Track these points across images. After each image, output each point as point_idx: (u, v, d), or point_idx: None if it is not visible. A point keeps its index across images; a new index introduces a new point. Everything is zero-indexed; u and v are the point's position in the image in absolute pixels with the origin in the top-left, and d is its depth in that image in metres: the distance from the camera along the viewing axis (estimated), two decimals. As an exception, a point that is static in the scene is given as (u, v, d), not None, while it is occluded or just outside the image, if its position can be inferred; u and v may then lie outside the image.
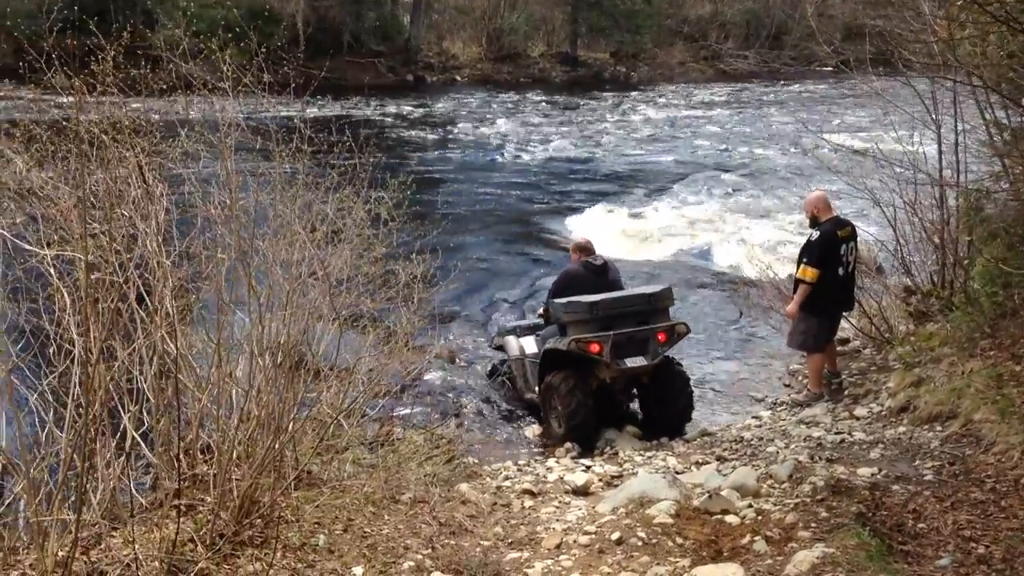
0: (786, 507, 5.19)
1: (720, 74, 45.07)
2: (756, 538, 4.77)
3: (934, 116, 8.31)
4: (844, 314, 8.34)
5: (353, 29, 38.16)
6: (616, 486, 6.15)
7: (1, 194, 5.34)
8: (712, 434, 7.70)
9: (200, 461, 4.83)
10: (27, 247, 4.34)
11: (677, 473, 6.36)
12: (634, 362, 7.48)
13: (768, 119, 29.61)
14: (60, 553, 3.61)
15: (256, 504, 4.43)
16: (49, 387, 4.21)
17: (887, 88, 9.19)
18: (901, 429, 6.68)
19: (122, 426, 4.27)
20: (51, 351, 4.35)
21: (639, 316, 7.60)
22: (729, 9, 48.15)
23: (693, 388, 8.06)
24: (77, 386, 3.78)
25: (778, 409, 8.22)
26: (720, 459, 6.83)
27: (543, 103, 34.54)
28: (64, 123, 5.37)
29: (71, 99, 4.55)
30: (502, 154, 23.46)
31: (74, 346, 3.82)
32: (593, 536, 5.04)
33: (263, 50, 6.20)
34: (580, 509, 5.70)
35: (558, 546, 4.97)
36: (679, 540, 4.89)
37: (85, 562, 3.73)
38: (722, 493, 5.46)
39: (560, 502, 5.93)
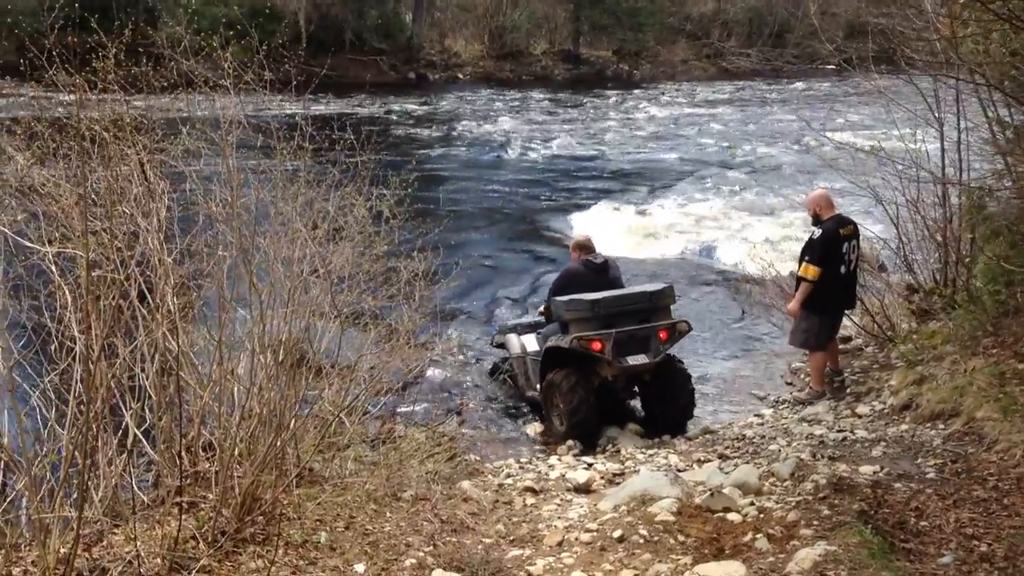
0: (788, 505, 5.19)
1: (722, 72, 45.03)
2: (758, 536, 4.77)
3: (937, 114, 8.30)
4: (846, 312, 8.33)
5: (355, 27, 38.20)
6: (618, 484, 6.15)
7: (3, 191, 5.34)
8: (714, 432, 7.69)
9: (202, 458, 4.82)
10: (28, 244, 4.33)
11: (679, 471, 6.36)
12: (636, 360, 7.47)
13: (771, 117, 29.59)
14: (62, 550, 3.61)
15: (258, 501, 4.43)
16: (51, 384, 4.20)
17: (890, 86, 9.17)
18: (903, 427, 6.68)
19: (124, 423, 4.27)
20: (53, 348, 4.35)
21: (641, 314, 7.60)
22: (732, 7, 48.10)
23: (695, 386, 8.05)
24: (79, 383, 3.77)
25: (780, 407, 8.22)
26: (722, 457, 6.82)
27: (545, 101, 34.54)
28: (65, 120, 5.37)
29: (73, 97, 4.54)
30: (504, 152, 23.45)
31: (76, 343, 3.82)
32: (595, 534, 5.04)
33: (265, 48, 6.19)
34: (582, 507, 5.70)
35: (560, 544, 4.97)
36: (681, 538, 4.89)
37: (87, 559, 3.73)
38: (724, 491, 5.46)
39: (562, 500, 5.94)
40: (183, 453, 4.36)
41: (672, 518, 5.10)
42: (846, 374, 8.29)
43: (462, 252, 11.86)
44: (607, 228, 14.91)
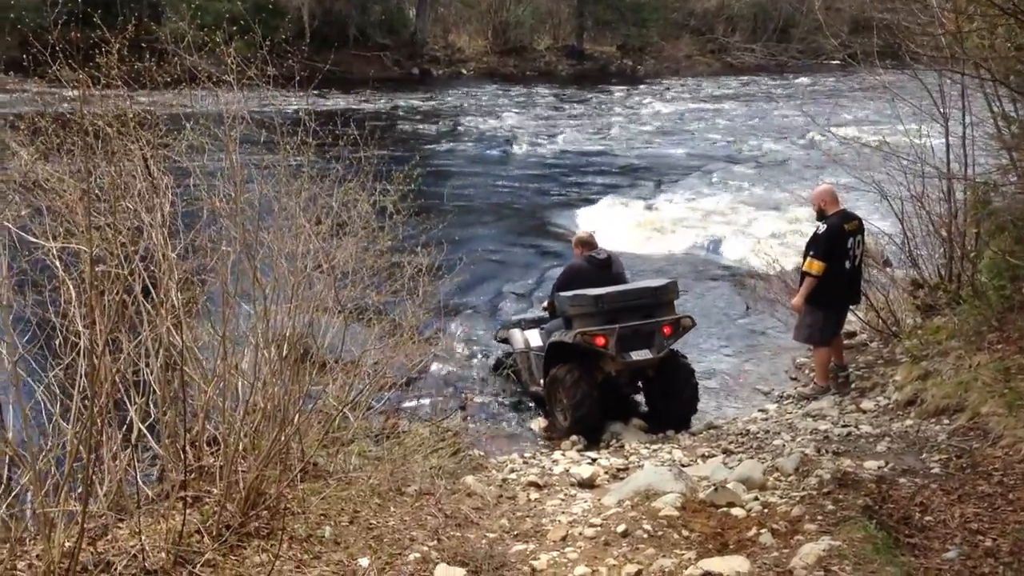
0: (792, 500, 5.19)
1: (727, 67, 44.98)
2: (762, 531, 4.76)
3: (942, 109, 8.27)
4: (851, 307, 8.31)
5: (359, 22, 38.20)
6: (622, 479, 6.15)
7: (7, 187, 5.34)
8: (718, 427, 7.69)
9: (206, 453, 4.82)
10: (33, 240, 4.34)
11: (683, 466, 6.36)
12: (639, 355, 7.47)
13: (776, 112, 29.52)
14: (67, 544, 3.62)
15: (262, 496, 4.44)
16: (55, 379, 4.21)
17: (894, 81, 9.15)
18: (908, 422, 6.67)
19: (128, 418, 4.27)
20: (57, 343, 4.36)
21: (645, 309, 7.60)
22: (736, 2, 48.00)
23: (699, 381, 8.05)
24: (83, 378, 3.78)
25: (784, 402, 8.21)
26: (726, 452, 6.82)
27: (549, 97, 34.50)
28: (69, 116, 5.37)
29: (76, 92, 4.54)
30: (509, 147, 23.44)
31: (80, 338, 3.82)
32: (599, 528, 5.04)
33: (268, 43, 6.19)
34: (586, 502, 5.70)
35: (564, 538, 4.97)
36: (685, 533, 4.89)
37: (92, 553, 3.73)
38: (728, 486, 5.45)
39: (566, 495, 5.94)
40: (187, 448, 4.37)
41: (676, 513, 5.09)
42: (851, 369, 8.28)
43: (466, 247, 11.85)
44: (613, 223, 14.93)
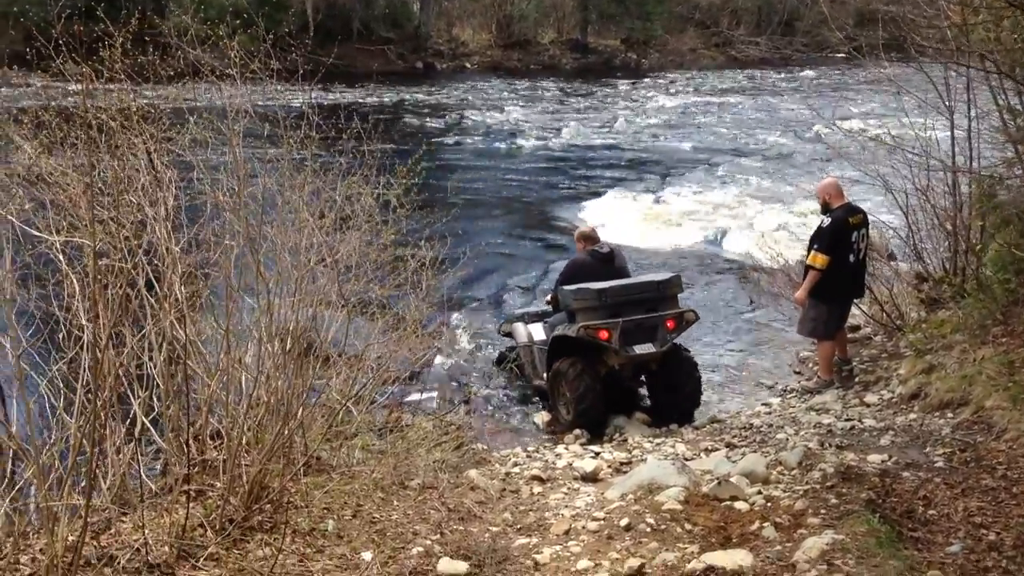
0: (795, 494, 5.18)
1: (731, 61, 44.88)
2: (765, 524, 4.76)
3: (947, 102, 8.25)
4: (855, 301, 8.30)
5: (363, 16, 38.17)
6: (625, 472, 6.15)
7: (11, 180, 5.35)
8: (721, 421, 7.69)
9: (210, 447, 4.84)
10: (36, 233, 4.34)
11: (686, 460, 6.35)
12: (643, 349, 7.46)
13: (781, 106, 29.48)
14: (70, 538, 3.63)
15: (265, 490, 4.44)
16: (59, 373, 4.21)
17: (900, 74, 9.13)
18: (912, 416, 6.66)
19: (132, 412, 4.28)
20: (61, 337, 4.36)
21: (648, 303, 7.59)
22: (740, -5, 47.93)
23: (702, 375, 8.05)
24: (87, 372, 3.78)
25: (788, 396, 8.20)
26: (729, 446, 6.81)
27: (554, 90, 34.46)
28: (73, 110, 5.37)
29: (80, 86, 4.54)
30: (513, 141, 23.42)
31: (83, 332, 3.83)
32: (602, 522, 5.04)
33: (271, 37, 6.19)
34: (589, 495, 5.70)
35: (567, 532, 4.97)
36: (688, 526, 4.89)
37: (95, 547, 3.74)
38: (731, 480, 5.45)
39: (569, 488, 5.94)
40: (191, 441, 4.38)
41: (679, 507, 5.09)
42: (854, 363, 8.27)
43: (470, 241, 11.84)
44: (617, 217, 14.94)
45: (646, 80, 38.17)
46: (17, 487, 4.03)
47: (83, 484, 3.68)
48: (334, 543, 4.40)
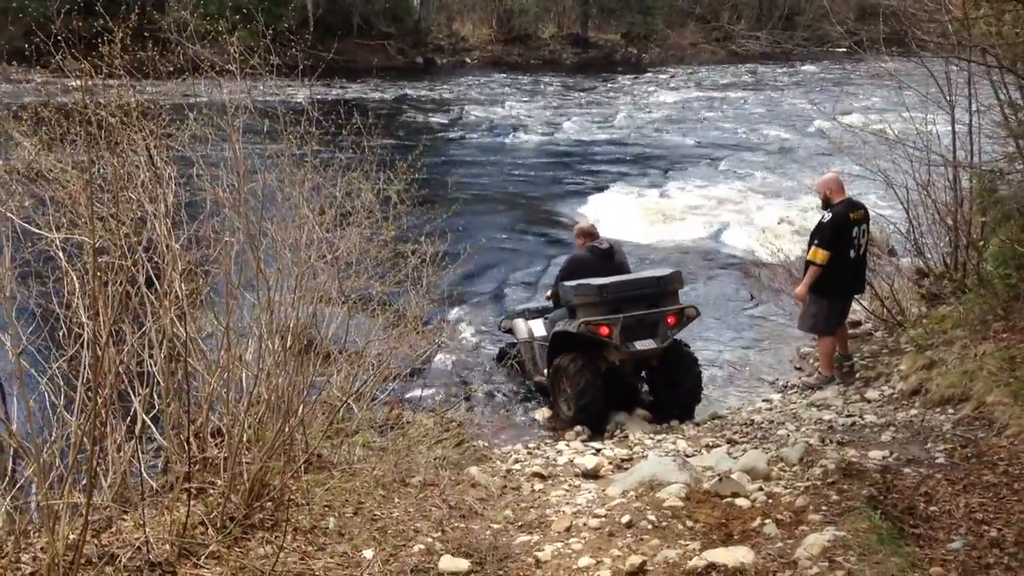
0: (797, 490, 5.18)
1: (732, 55, 44.81)
2: (767, 521, 4.75)
3: (948, 97, 8.23)
4: (855, 297, 8.29)
5: (363, 11, 38.12)
6: (626, 469, 6.14)
7: (10, 177, 5.33)
8: (722, 417, 7.69)
9: (210, 444, 4.83)
10: (36, 230, 4.34)
11: (687, 456, 6.35)
12: (643, 345, 7.46)
13: (782, 100, 29.45)
14: (71, 536, 3.62)
15: (266, 487, 4.44)
16: (59, 370, 4.21)
17: (901, 69, 9.11)
18: (913, 412, 6.65)
19: (132, 409, 4.27)
20: (61, 334, 4.35)
21: (649, 299, 7.59)
22: (741, -11, 47.87)
23: (702, 370, 8.05)
24: (87, 369, 3.77)
25: (789, 392, 8.20)
26: (730, 442, 6.81)
27: (555, 85, 34.42)
28: (72, 106, 5.36)
29: (79, 82, 4.53)
30: (514, 136, 23.39)
31: (84, 329, 3.82)
32: (603, 519, 5.04)
33: (271, 32, 6.17)
34: (590, 492, 5.69)
35: (568, 529, 4.97)
36: (689, 523, 4.88)
37: (96, 545, 3.74)
38: (732, 476, 5.44)
39: (570, 485, 5.93)
40: (191, 439, 4.37)
41: (680, 504, 5.09)
42: (855, 359, 8.26)
43: (470, 237, 11.81)
44: (618, 212, 14.93)
45: (647, 75, 38.13)
46: (18, 485, 4.03)
47: (84, 482, 3.67)
48: (335, 541, 4.39)
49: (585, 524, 5.01)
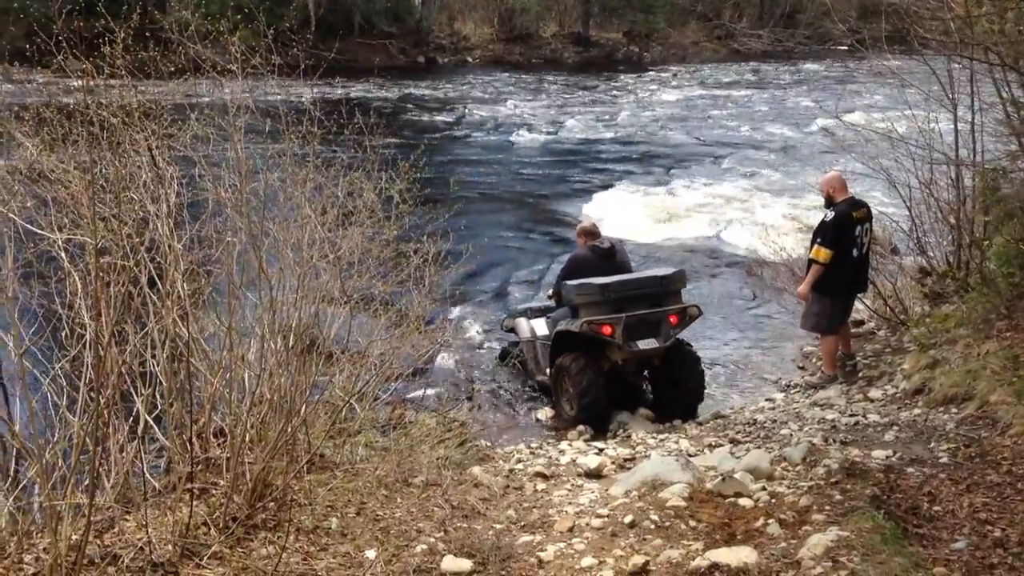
0: (800, 490, 5.17)
1: (734, 54, 44.79)
2: (770, 521, 4.75)
3: (950, 95, 8.22)
4: (858, 295, 8.28)
5: (364, 10, 38.13)
6: (629, 469, 6.14)
7: (12, 178, 5.33)
8: (725, 416, 7.68)
9: (213, 444, 4.83)
10: (38, 231, 4.34)
11: (690, 456, 6.34)
12: (646, 344, 7.46)
13: (783, 99, 29.43)
14: (73, 537, 3.62)
15: (269, 487, 4.44)
16: (62, 371, 4.21)
17: (903, 67, 9.09)
18: (916, 411, 6.64)
19: (135, 410, 4.27)
20: (63, 335, 4.35)
21: (651, 298, 7.58)
22: (743, -13, 47.83)
23: (705, 369, 8.04)
24: (90, 370, 3.77)
25: (792, 391, 8.19)
26: (733, 442, 6.80)
27: (556, 84, 34.40)
28: (74, 106, 5.35)
29: (81, 82, 4.53)
30: (516, 135, 23.38)
31: (86, 330, 3.82)
32: (606, 519, 5.03)
33: (273, 32, 6.16)
34: (593, 492, 5.69)
35: (571, 529, 4.96)
36: (692, 523, 4.88)
37: (98, 546, 3.74)
38: (735, 476, 5.44)
39: (573, 485, 5.93)
40: (194, 439, 4.37)
41: (683, 503, 5.08)
42: (858, 358, 8.25)
43: (473, 236, 11.80)
44: (621, 211, 14.92)
45: (649, 73, 38.11)
46: (21, 486, 4.03)
47: (86, 483, 3.66)
48: (338, 541, 4.39)
49: (588, 524, 5.00)
